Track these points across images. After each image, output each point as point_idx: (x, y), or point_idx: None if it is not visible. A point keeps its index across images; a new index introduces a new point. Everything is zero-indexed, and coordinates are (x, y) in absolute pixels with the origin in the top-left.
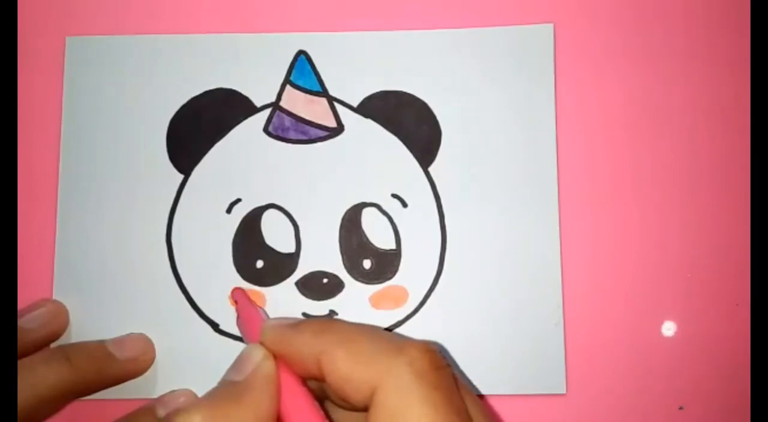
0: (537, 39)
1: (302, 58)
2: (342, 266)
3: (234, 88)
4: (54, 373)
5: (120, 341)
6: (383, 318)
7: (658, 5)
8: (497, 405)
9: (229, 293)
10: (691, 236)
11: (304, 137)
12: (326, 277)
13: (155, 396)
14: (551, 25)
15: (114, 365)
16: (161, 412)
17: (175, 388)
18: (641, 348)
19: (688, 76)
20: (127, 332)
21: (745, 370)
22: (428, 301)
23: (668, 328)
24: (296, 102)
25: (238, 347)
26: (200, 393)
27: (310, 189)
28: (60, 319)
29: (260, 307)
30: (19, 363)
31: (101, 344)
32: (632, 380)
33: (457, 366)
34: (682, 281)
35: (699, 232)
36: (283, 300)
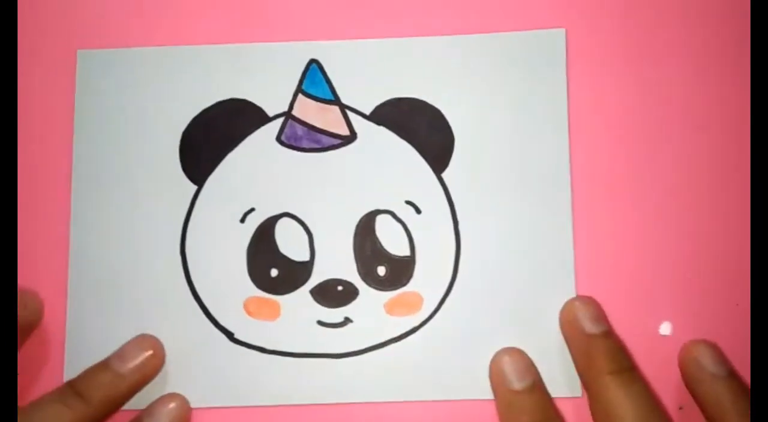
0: (549, 44)
1: (314, 66)
2: (356, 274)
3: (246, 98)
4: (68, 415)
5: (120, 354)
6: (398, 325)
7: (672, 10)
8: None
9: (243, 302)
10: (690, 236)
11: (317, 146)
12: (341, 284)
13: None
14: (563, 31)
15: (124, 382)
16: None
17: (192, 397)
18: (644, 348)
19: (703, 79)
20: None
21: (745, 370)
22: (443, 307)
23: (666, 328)
24: (308, 111)
25: (254, 356)
26: (216, 401)
27: (324, 197)
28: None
29: None
30: (30, 405)
31: (106, 365)
32: (671, 391)
33: (472, 372)
34: (682, 281)
35: (699, 232)
36: (298, 308)
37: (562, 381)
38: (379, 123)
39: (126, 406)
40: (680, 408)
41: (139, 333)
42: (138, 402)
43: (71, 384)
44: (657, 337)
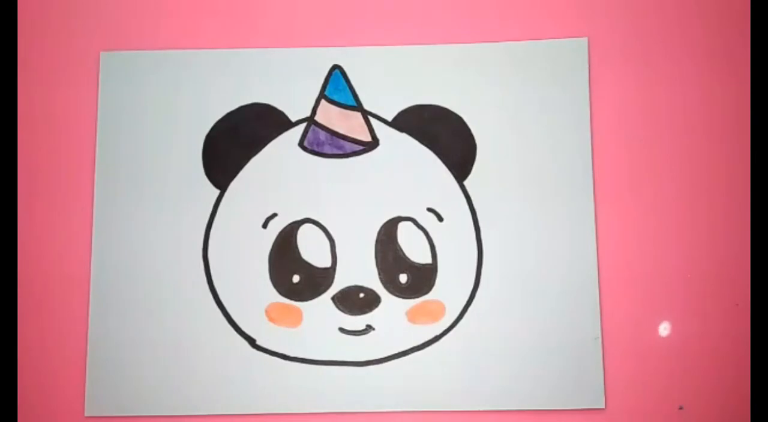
0: (572, 52)
1: (337, 72)
2: (378, 281)
3: (269, 102)
4: None
5: None
6: (420, 333)
7: (692, 17)
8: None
9: (265, 308)
10: (690, 236)
11: (339, 152)
12: (363, 292)
13: (194, 412)
14: (586, 39)
15: None
16: None
17: (214, 403)
18: (644, 348)
19: (723, 84)
20: (165, 348)
21: (745, 370)
22: (465, 316)
23: (666, 328)
24: (331, 116)
25: (275, 362)
26: (237, 409)
27: (346, 203)
28: None
29: None
30: None
31: None
32: (670, 391)
33: (495, 382)
34: (682, 282)
35: (699, 232)
36: (320, 315)
37: (585, 392)
38: (401, 130)
39: (154, 412)
40: (680, 408)
41: (160, 339)
42: (160, 407)
43: None
44: (657, 337)
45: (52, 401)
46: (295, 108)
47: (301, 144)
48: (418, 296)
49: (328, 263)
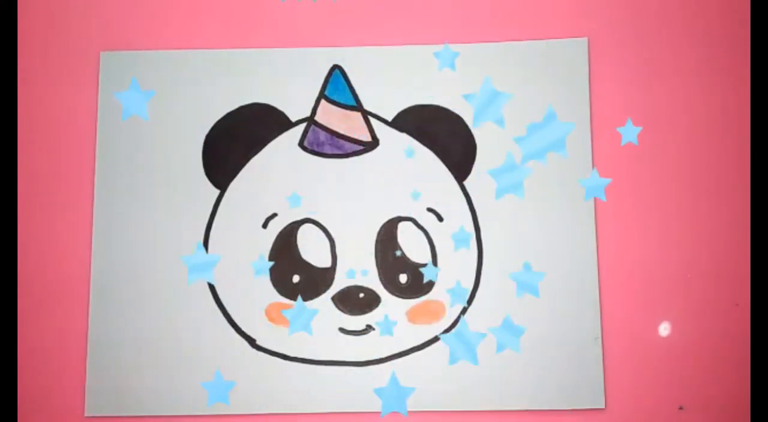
0: (572, 52)
1: (337, 72)
2: (378, 281)
3: (269, 102)
4: None
5: None
6: (420, 333)
7: (690, 19)
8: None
9: (265, 308)
10: (691, 236)
11: (339, 152)
12: (362, 292)
13: (194, 412)
14: (586, 39)
15: None
16: None
17: (214, 403)
18: (644, 348)
19: (722, 85)
20: (165, 348)
21: (745, 370)
22: (465, 316)
23: (666, 328)
24: (331, 117)
25: (275, 362)
26: (237, 409)
27: (346, 204)
28: None
29: None
30: None
31: None
32: (671, 391)
33: (495, 382)
34: (682, 282)
35: (699, 232)
36: (320, 315)
37: (585, 392)
38: (401, 130)
39: (153, 412)
40: (680, 408)
41: (161, 339)
42: (162, 407)
43: None
44: (657, 337)
45: (52, 401)
46: (295, 108)
47: (301, 144)
48: (418, 296)
49: (328, 264)
